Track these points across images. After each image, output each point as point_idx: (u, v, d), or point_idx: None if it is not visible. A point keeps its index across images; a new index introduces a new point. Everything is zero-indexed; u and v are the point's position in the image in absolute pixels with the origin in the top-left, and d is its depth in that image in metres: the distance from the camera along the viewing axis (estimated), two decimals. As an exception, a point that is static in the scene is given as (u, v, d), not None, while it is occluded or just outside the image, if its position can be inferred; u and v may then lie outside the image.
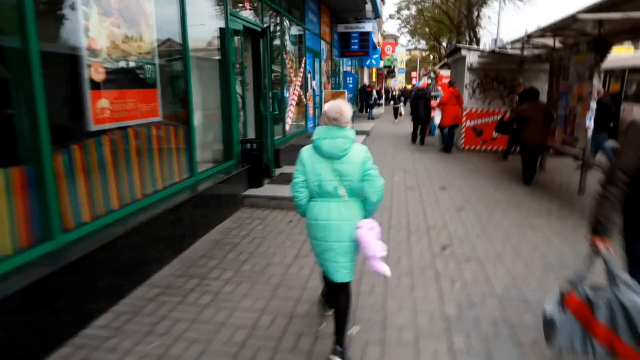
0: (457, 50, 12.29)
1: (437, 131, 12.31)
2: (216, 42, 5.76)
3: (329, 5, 13.27)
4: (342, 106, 2.64)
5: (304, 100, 10.60)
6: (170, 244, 4.06)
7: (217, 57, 5.83)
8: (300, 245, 4.44)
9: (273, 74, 8.06)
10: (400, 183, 7.41)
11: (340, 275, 2.59)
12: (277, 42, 8.32)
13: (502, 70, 11.22)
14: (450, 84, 12.45)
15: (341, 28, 14.70)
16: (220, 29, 5.73)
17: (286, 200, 5.77)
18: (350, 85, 16.58)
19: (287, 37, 8.96)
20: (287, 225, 5.15)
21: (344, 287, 2.65)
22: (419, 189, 7.00)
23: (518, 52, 10.37)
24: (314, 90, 11.77)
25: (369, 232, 2.50)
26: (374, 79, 34.73)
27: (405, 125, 16.86)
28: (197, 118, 5.22)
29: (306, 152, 2.65)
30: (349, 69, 19.91)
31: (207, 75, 5.64)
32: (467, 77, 11.46)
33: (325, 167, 2.54)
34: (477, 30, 30.36)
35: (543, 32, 7.47)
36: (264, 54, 6.99)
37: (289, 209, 5.73)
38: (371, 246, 2.47)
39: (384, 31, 43.23)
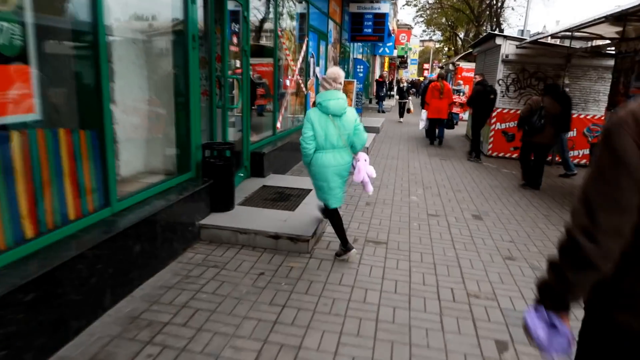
0: (490, 38, 10.39)
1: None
2: (166, 3, 3.97)
3: (340, -21, 11.36)
4: (340, 71, 3.61)
5: (304, 89, 8.79)
6: (38, 336, 2.33)
7: (167, 27, 4.05)
8: (268, 333, 2.71)
9: (259, 57, 6.27)
10: (419, 206, 5.63)
11: (339, 201, 3.79)
12: (264, 13, 6.48)
13: (544, 64, 9.35)
14: (440, 76, 11.59)
15: (353, 7, 12.79)
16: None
17: (261, 236, 4.02)
18: (361, 75, 14.71)
19: (283, 9, 7.12)
20: (255, 281, 3.41)
21: (337, 210, 3.81)
22: (446, 218, 5.22)
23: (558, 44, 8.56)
24: (317, 78, 9.95)
25: (365, 163, 3.83)
26: (386, 69, 32.70)
27: (417, 119, 15.00)
28: (121, 115, 3.49)
29: (313, 112, 3.54)
30: (359, 56, 17.99)
31: (144, 52, 3.86)
32: (501, 71, 9.59)
33: (330, 123, 3.50)
34: (500, 20, 28.22)
35: (608, 19, 5.64)
36: (212, 21, 5.18)
37: (263, 248, 3.99)
38: (367, 171, 3.84)
39: (398, 20, 41.00)
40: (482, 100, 8.92)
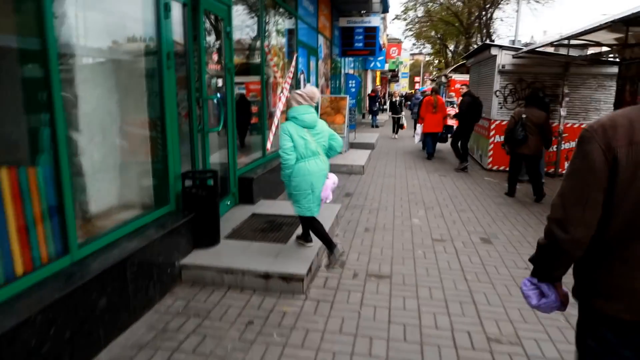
0: (484, 49, 10.12)
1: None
2: (135, 19, 3.57)
3: (328, -6, 11.09)
4: (315, 91, 3.84)
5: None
6: None
7: (138, 45, 3.64)
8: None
9: (246, 75, 5.89)
10: (422, 230, 5.20)
11: (319, 209, 3.86)
12: (249, 28, 6.11)
13: (542, 74, 9.06)
14: (434, 90, 11.57)
15: (343, 22, 12.52)
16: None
17: (249, 276, 3.57)
18: (353, 90, 14.41)
19: (269, 24, 6.77)
20: (243, 333, 2.95)
21: (315, 217, 3.87)
22: (452, 242, 4.79)
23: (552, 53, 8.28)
24: (308, 95, 9.58)
25: (332, 184, 3.91)
26: (377, 83, 32.57)
27: (411, 134, 14.67)
28: (86, 145, 3.07)
29: (289, 125, 3.68)
30: (351, 71, 17.73)
31: (113, 73, 3.45)
32: (498, 82, 9.28)
33: (307, 134, 3.69)
34: (490, 32, 28.25)
35: (612, 24, 5.32)
36: (193, 36, 4.80)
37: (252, 290, 3.53)
38: (328, 193, 3.90)
39: (388, 35, 41.09)
40: (471, 111, 9.08)
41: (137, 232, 3.34)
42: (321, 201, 3.84)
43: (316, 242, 4.10)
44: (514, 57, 9.08)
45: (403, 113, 15.96)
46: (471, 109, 9.06)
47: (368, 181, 7.98)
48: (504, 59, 9.21)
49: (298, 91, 3.77)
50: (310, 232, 4.00)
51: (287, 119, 3.76)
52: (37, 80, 2.56)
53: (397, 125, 15.79)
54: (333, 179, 3.91)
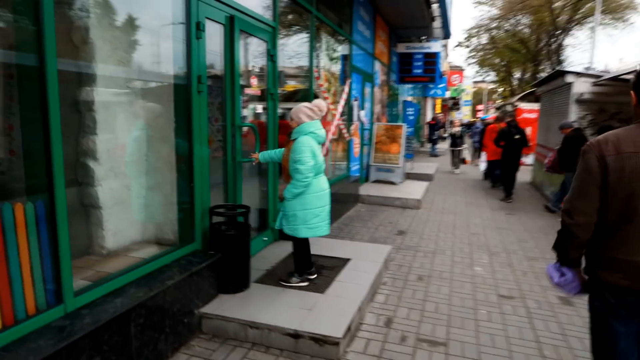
0: (558, 75, 9.19)
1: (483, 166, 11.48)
2: (163, 38, 3.28)
3: (387, 19, 10.68)
4: (322, 103, 3.65)
5: (347, 134, 7.95)
6: None
7: (165, 67, 3.34)
8: None
9: (293, 102, 5.51)
10: (486, 282, 4.44)
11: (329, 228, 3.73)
12: (298, 52, 5.76)
13: (628, 104, 8.01)
14: (498, 119, 11.43)
15: (401, 48, 12.04)
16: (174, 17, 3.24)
17: (276, 333, 3.03)
18: (411, 118, 13.79)
19: (320, 48, 6.40)
20: (259, 412, 2.40)
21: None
22: (523, 301, 4.00)
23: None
24: (361, 122, 9.12)
25: None
26: (438, 111, 31.60)
27: (473, 169, 13.68)
28: (106, 175, 2.73)
29: (310, 140, 3.46)
30: (409, 98, 17.13)
31: (137, 97, 3.15)
32: (574, 112, 8.32)
33: (320, 149, 3.59)
34: (561, 59, 26.65)
35: None
36: (229, 59, 4.44)
37: (279, 350, 2.99)
38: None
39: (449, 62, 40.10)
40: (506, 140, 9.00)
41: (151, 276, 2.93)
42: None
43: (358, 296, 3.51)
44: (593, 84, 8.12)
45: (465, 145, 13.69)
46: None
47: (424, 217, 7.27)
48: (581, 87, 8.28)
49: (306, 104, 3.59)
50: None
51: (296, 134, 3.52)
52: (33, 97, 2.24)
53: (457, 159, 13.37)
54: None
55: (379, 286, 4.16)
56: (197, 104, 3.34)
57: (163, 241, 3.48)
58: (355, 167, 8.70)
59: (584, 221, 1.82)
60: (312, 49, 5.84)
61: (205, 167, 3.50)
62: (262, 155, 3.92)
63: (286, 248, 4.67)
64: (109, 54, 2.96)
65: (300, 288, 3.66)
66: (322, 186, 3.60)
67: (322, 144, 3.74)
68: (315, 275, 3.82)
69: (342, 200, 7.21)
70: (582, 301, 4.09)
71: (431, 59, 11.85)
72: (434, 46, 11.84)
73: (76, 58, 2.84)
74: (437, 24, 12.06)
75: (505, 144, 9.02)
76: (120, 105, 3.10)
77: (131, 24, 3.10)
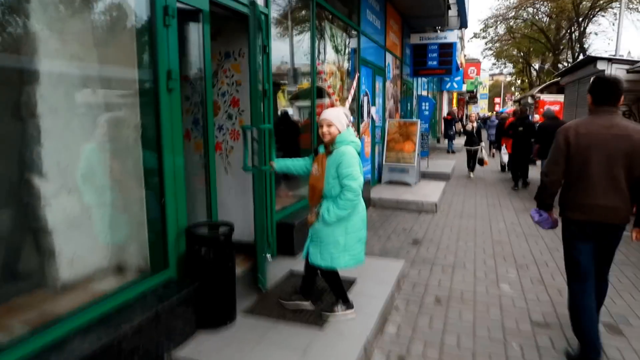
0: (587, 63, 8.44)
1: (505, 158, 11.30)
2: (120, 27, 2.73)
3: (398, 8, 10.01)
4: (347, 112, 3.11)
5: (356, 133, 7.35)
6: None
7: (126, 61, 2.79)
8: None
9: (285, 95, 4.94)
10: (516, 303, 3.82)
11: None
12: (298, 43, 5.17)
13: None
14: (515, 113, 11.09)
15: (415, 39, 11.35)
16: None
17: (261, 384, 2.48)
18: (426, 113, 13.06)
19: (324, 39, 5.81)
20: None
21: None
22: (561, 329, 3.37)
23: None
24: (373, 120, 8.50)
25: None
26: (454, 105, 30.67)
27: (493, 171, 12.93)
28: (54, 192, 2.24)
29: (354, 151, 2.92)
30: (424, 93, 16.40)
31: (89, 98, 2.61)
32: (607, 103, 7.55)
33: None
34: (584, 47, 25.50)
35: None
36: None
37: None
38: None
39: (465, 55, 38.97)
40: (513, 131, 9.40)
41: (108, 317, 2.40)
42: None
43: (363, 329, 2.94)
44: (628, 71, 7.36)
45: (483, 144, 11.17)
46: (513, 129, 9.46)
47: (442, 223, 6.63)
48: (614, 74, 7.51)
49: (344, 110, 3.10)
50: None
51: (337, 144, 2.93)
52: None
53: (473, 161, 11.21)
54: None
55: (390, 312, 3.57)
56: (166, 104, 2.79)
57: (133, 268, 2.95)
58: (365, 168, 8.10)
59: (555, 179, 2.83)
60: (314, 40, 5.25)
61: (179, 179, 2.96)
62: (279, 164, 3.39)
63: (284, 267, 4.12)
64: (58, 47, 2.43)
65: (297, 318, 3.10)
66: (363, 204, 3.08)
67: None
68: (354, 309, 3.21)
69: (352, 205, 6.64)
70: (632, 329, 3.44)
71: (447, 50, 11.13)
72: (450, 36, 11.12)
73: (15, 51, 2.33)
74: (452, 12, 11.35)
75: (512, 134, 9.47)
76: (73, 108, 2.57)
77: (87, 11, 2.56)
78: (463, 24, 12.68)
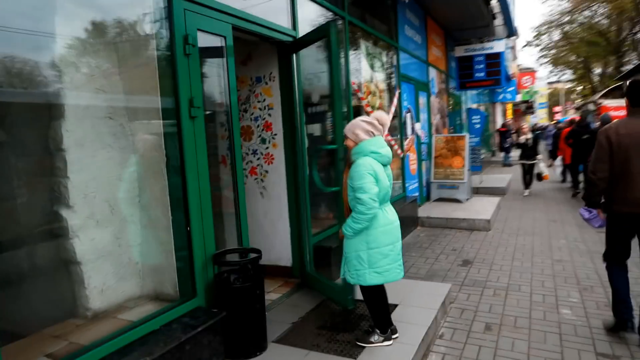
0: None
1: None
2: (142, 62, 2.78)
3: (440, 21, 9.80)
4: (384, 116, 3.04)
5: (399, 151, 7.14)
6: None
7: (148, 90, 2.82)
8: None
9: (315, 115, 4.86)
10: (579, 331, 3.41)
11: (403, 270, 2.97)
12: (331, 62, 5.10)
13: None
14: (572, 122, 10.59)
15: (460, 51, 11.02)
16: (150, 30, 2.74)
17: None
18: (477, 127, 12.53)
19: (360, 56, 5.72)
20: None
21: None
22: (634, 360, 2.96)
23: None
24: (417, 136, 8.25)
25: None
26: (509, 116, 29.46)
27: (553, 185, 12.13)
28: (81, 224, 2.26)
29: (371, 162, 2.76)
30: (475, 106, 15.84)
31: (112, 127, 2.66)
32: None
33: (385, 173, 2.85)
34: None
35: None
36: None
37: None
38: None
39: (519, 65, 37.51)
40: (574, 139, 9.01)
41: (131, 349, 2.37)
42: None
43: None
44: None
45: (540, 156, 10.12)
46: (574, 137, 9.09)
47: (495, 241, 6.22)
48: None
49: (364, 118, 2.92)
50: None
51: (355, 156, 2.86)
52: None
53: (529, 176, 10.21)
54: None
55: (434, 341, 3.31)
56: (189, 132, 2.79)
57: (163, 296, 2.93)
58: (412, 185, 7.82)
59: (602, 176, 3.05)
60: (347, 59, 5.17)
61: (206, 206, 2.93)
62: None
63: (320, 293, 3.97)
64: (84, 81, 2.51)
65: (330, 349, 2.93)
66: (389, 218, 2.88)
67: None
68: (397, 335, 3.04)
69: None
70: None
71: (494, 60, 10.70)
72: (497, 46, 10.70)
73: (43, 87, 2.43)
74: (498, 21, 10.94)
75: (573, 142, 9.05)
76: (100, 140, 2.63)
77: (109, 44, 2.64)
78: (510, 33, 12.18)
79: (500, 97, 19.81)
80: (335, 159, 3.43)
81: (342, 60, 5.04)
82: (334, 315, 3.48)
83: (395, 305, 3.55)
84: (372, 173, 2.72)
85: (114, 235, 2.74)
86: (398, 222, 2.95)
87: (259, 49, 4.19)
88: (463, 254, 5.67)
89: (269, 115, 4.28)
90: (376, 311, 2.98)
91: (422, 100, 8.70)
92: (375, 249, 2.81)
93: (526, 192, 10.29)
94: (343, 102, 3.36)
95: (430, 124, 9.30)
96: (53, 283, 2.68)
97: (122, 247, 2.79)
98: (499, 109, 25.73)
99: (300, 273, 4.21)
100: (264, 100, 4.27)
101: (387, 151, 2.87)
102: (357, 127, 2.84)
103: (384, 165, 2.88)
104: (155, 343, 2.42)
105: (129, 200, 2.79)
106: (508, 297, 4.15)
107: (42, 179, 2.54)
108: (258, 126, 4.35)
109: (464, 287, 4.44)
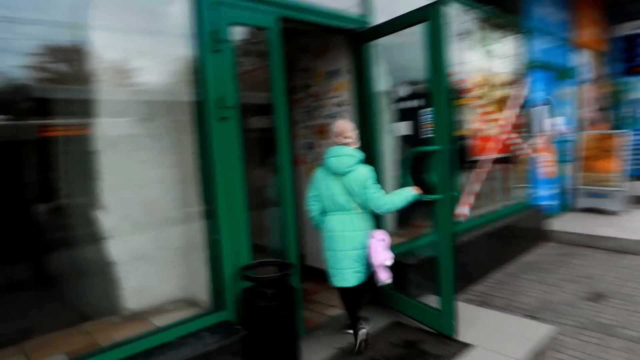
0: None
1: None
2: (170, 61, 2.65)
3: (596, -7, 8.07)
4: (344, 124, 2.98)
5: (523, 151, 6.05)
6: None
7: (177, 92, 2.69)
8: None
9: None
10: None
11: (356, 278, 2.93)
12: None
13: None
14: None
15: (625, 29, 8.97)
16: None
17: None
18: (648, 120, 10.12)
19: (466, 37, 4.91)
20: None
21: (355, 289, 2.97)
22: None
23: None
24: (558, 133, 6.93)
25: (379, 243, 2.89)
26: None
27: None
28: (115, 226, 2.31)
29: (318, 170, 3.01)
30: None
31: (143, 131, 2.58)
32: None
33: (337, 183, 2.88)
34: None
35: None
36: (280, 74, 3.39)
37: None
38: (379, 255, 2.86)
39: None
40: None
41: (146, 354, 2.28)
42: (373, 267, 2.93)
43: None
44: None
45: None
46: None
47: (650, 271, 4.81)
48: None
49: (333, 124, 3.09)
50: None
51: None
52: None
53: None
54: (378, 236, 2.94)
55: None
56: (218, 134, 2.59)
57: (199, 303, 2.82)
58: (543, 192, 6.57)
59: None
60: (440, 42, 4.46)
61: (240, 214, 2.70)
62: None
63: (388, 315, 3.47)
64: (114, 81, 2.51)
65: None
66: (332, 226, 2.96)
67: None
68: (351, 332, 3.03)
69: (515, 239, 5.43)
70: None
71: (675, 37, 8.44)
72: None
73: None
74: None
75: None
76: (133, 142, 2.60)
77: (138, 44, 2.59)
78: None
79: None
80: (438, 161, 2.97)
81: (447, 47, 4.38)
82: (398, 348, 2.97)
83: (469, 346, 2.88)
84: (313, 179, 3.02)
85: (150, 238, 2.71)
86: (344, 233, 2.89)
87: (334, 40, 3.83)
88: (597, 284, 4.48)
89: (346, 112, 3.91)
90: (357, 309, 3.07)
91: (565, 90, 7.27)
92: (325, 251, 3.02)
93: None
94: (447, 97, 2.89)
95: (577, 119, 7.75)
96: (97, 282, 2.77)
97: (159, 250, 2.75)
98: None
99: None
100: (339, 96, 3.91)
101: (333, 161, 2.87)
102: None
103: (336, 174, 2.86)
104: (175, 352, 2.30)
105: (163, 203, 2.73)
106: (643, 354, 3.08)
107: (78, 180, 2.60)
108: (333, 124, 4.02)
109: (583, 332, 3.44)
